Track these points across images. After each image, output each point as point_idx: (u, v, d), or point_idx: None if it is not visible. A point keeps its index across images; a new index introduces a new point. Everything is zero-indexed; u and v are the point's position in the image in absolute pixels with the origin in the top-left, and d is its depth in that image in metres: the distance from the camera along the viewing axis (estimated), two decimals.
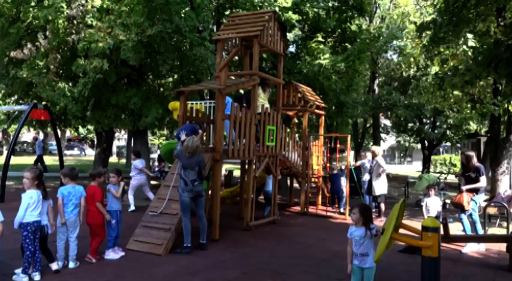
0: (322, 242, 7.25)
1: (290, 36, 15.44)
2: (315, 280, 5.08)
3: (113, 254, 5.75)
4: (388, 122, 26.95)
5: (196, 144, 6.24)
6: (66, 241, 5.19)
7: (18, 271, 4.69)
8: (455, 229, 7.70)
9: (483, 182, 6.91)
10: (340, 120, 15.79)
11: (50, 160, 25.75)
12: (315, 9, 12.11)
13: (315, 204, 10.96)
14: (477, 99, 12.76)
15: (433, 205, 7.22)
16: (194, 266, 5.48)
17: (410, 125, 23.02)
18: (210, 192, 8.16)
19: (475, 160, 7.10)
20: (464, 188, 7.00)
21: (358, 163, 11.45)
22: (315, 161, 10.98)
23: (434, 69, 18.13)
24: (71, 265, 5.21)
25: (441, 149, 43.40)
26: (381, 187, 9.49)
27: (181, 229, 6.22)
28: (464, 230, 7.17)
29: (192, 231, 6.19)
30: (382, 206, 9.54)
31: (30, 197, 4.71)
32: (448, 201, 10.41)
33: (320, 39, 12.32)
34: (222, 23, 9.78)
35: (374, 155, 9.85)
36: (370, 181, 9.97)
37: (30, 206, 4.68)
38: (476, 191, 7.00)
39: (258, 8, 11.08)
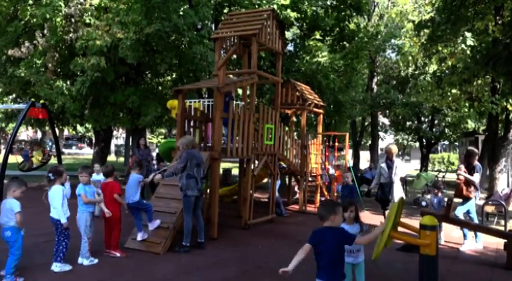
0: None
1: (288, 35, 15.43)
2: (313, 279, 5.08)
3: (142, 235, 6.07)
4: (386, 121, 26.98)
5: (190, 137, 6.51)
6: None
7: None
8: (453, 228, 7.72)
9: (475, 178, 6.99)
10: (338, 119, 15.83)
11: None
12: (314, 8, 12.12)
13: (314, 202, 10.98)
14: (475, 98, 12.79)
15: (438, 203, 7.22)
16: (193, 264, 5.48)
17: (408, 123, 23.08)
18: (208, 190, 8.16)
19: (474, 158, 7.16)
20: (461, 171, 7.05)
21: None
22: (313, 160, 10.98)
23: (433, 67, 18.19)
24: (85, 262, 5.25)
25: (439, 148, 43.48)
26: (400, 192, 7.73)
27: (180, 227, 6.22)
28: (462, 231, 7.16)
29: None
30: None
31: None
32: (445, 199, 10.41)
33: (318, 37, 12.33)
34: (221, 21, 9.77)
35: (391, 155, 7.75)
36: (382, 187, 7.79)
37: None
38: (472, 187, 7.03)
39: (257, 6, 11.07)
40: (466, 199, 7.01)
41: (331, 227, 3.28)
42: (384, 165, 7.83)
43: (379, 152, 24.41)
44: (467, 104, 15.26)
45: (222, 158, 7.33)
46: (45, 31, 10.86)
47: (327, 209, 3.34)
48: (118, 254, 5.62)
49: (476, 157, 7.30)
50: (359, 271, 4.07)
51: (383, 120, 27.15)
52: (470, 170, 7.04)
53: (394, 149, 7.82)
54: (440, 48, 12.84)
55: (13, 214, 4.46)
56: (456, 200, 7.15)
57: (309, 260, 5.88)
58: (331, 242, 3.22)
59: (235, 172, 16.01)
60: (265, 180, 12.26)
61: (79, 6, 10.52)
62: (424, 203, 11.79)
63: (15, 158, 11.10)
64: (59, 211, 4.83)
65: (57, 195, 4.85)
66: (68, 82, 11.27)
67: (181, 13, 10.59)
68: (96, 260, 5.34)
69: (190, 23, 10.68)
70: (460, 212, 7.05)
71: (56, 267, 4.85)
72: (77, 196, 5.28)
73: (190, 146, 6.24)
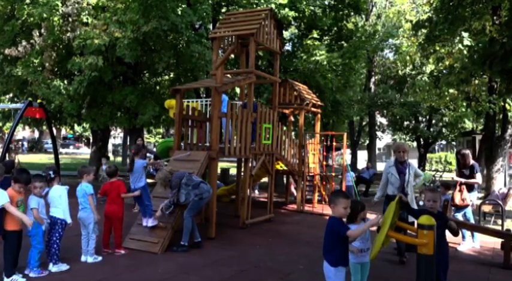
0: (319, 240, 7.22)
1: (286, 34, 15.44)
2: (311, 278, 5.10)
3: (152, 221, 6.17)
4: (384, 120, 27.04)
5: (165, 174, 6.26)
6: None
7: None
8: None
9: (479, 179, 7.00)
10: (336, 119, 15.86)
11: (45, 158, 25.67)
12: (311, 7, 12.13)
13: (311, 202, 10.99)
14: (472, 98, 12.83)
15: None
16: (191, 264, 5.48)
17: (406, 123, 23.12)
18: None
19: (470, 158, 7.16)
20: (460, 180, 6.97)
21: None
22: (311, 159, 10.99)
23: (430, 67, 18.22)
24: (89, 259, 5.32)
25: (436, 147, 43.60)
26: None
27: (178, 227, 6.22)
28: (461, 231, 7.19)
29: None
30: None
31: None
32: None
33: (316, 36, 12.34)
34: (219, 21, 9.77)
35: (402, 155, 5.90)
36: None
37: None
38: (470, 188, 7.03)
39: (255, 6, 11.07)
40: (464, 207, 7.02)
41: (331, 216, 3.55)
42: (393, 170, 5.88)
43: (377, 151, 24.47)
44: (464, 104, 15.31)
45: (219, 158, 7.33)
46: (43, 30, 10.84)
47: (330, 198, 3.66)
48: (123, 251, 5.74)
49: (470, 156, 7.26)
50: (365, 270, 4.11)
51: (381, 120, 27.22)
52: (469, 170, 7.01)
53: (406, 147, 5.98)
54: (437, 48, 12.87)
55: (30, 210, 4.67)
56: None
57: (309, 259, 5.88)
58: (326, 228, 3.54)
59: (233, 171, 16.02)
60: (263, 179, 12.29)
61: (76, 5, 10.51)
62: (421, 203, 11.82)
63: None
64: (65, 210, 4.91)
65: (63, 194, 4.93)
66: (66, 81, 11.25)
67: (179, 12, 10.58)
68: (100, 258, 5.41)
69: (189, 21, 10.67)
70: (458, 215, 7.08)
71: (54, 267, 4.88)
72: (83, 196, 5.29)
73: (169, 175, 6.19)
